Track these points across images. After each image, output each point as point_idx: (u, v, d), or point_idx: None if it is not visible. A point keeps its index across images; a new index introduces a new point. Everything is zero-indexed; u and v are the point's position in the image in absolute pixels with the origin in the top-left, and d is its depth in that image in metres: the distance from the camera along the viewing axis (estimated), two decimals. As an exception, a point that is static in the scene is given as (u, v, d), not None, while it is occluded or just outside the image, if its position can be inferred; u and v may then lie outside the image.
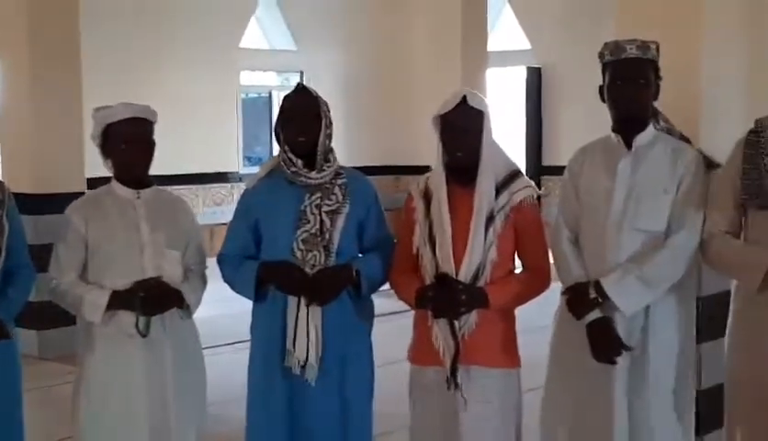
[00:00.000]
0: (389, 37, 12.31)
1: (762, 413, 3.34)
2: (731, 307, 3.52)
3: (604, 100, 3.52)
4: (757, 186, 3.34)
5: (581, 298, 3.41)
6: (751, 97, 4.70)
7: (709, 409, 3.64)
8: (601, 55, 3.53)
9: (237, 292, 3.68)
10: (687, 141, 3.78)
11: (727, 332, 3.54)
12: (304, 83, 3.91)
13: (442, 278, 3.37)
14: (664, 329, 3.45)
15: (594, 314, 3.39)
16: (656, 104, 3.59)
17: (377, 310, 3.77)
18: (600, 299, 3.38)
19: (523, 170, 3.59)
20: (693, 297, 3.61)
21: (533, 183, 3.55)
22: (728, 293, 3.62)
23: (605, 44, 3.53)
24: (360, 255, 3.67)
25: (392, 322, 5.50)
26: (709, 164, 3.63)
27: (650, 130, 3.53)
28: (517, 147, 12.70)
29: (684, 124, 3.97)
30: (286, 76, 12.73)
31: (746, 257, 3.36)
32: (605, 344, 3.38)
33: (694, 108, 4.38)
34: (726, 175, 3.48)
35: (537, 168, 12.61)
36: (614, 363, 3.38)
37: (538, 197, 3.52)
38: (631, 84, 3.44)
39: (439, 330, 3.40)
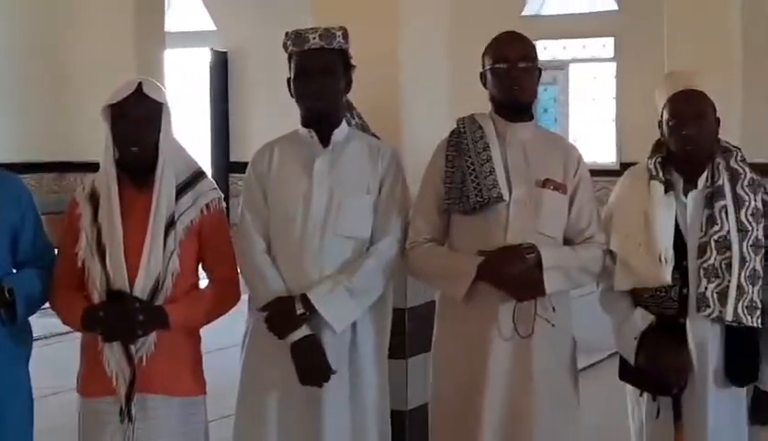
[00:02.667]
0: (49, 7, 11.85)
1: (463, 427, 3.53)
2: (436, 319, 3.69)
3: (293, 94, 3.60)
4: (460, 190, 3.52)
5: (284, 314, 3.44)
6: (454, 93, 4.94)
7: (420, 429, 3.80)
8: (285, 46, 3.60)
9: None
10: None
11: (432, 344, 3.70)
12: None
13: (114, 296, 3.32)
14: (368, 344, 3.57)
15: (300, 332, 3.44)
16: (351, 98, 3.71)
17: (36, 332, 3.64)
18: (308, 315, 3.44)
19: (208, 167, 3.59)
20: (390, 308, 3.74)
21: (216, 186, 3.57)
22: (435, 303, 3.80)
23: (286, 34, 3.60)
24: (14, 271, 3.52)
25: (54, 346, 5.35)
26: None
27: (344, 125, 3.65)
28: (201, 140, 12.67)
29: (382, 122, 4.10)
30: None
31: (452, 265, 3.53)
32: (313, 365, 3.43)
33: (393, 105, 4.53)
34: (429, 178, 3.64)
35: (225, 165, 12.60)
36: (320, 386, 3.44)
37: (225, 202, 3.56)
38: (316, 79, 3.52)
39: (111, 355, 3.34)
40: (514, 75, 3.52)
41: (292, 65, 3.57)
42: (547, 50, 13.50)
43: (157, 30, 10.99)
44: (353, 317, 3.50)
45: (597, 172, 3.53)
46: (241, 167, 12.38)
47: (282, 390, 3.52)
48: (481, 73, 3.60)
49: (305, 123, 3.61)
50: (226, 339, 3.90)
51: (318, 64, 3.52)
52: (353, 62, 3.62)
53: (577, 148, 3.72)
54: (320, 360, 3.44)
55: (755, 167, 3.58)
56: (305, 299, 3.44)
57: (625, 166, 3.96)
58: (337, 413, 3.50)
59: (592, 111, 13.99)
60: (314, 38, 3.54)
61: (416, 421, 3.90)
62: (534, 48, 3.63)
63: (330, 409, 3.48)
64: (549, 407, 3.51)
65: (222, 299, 3.53)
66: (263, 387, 3.56)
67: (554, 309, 3.49)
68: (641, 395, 3.57)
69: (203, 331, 3.58)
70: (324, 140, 3.57)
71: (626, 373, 3.61)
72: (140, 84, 3.42)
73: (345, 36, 3.60)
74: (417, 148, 4.14)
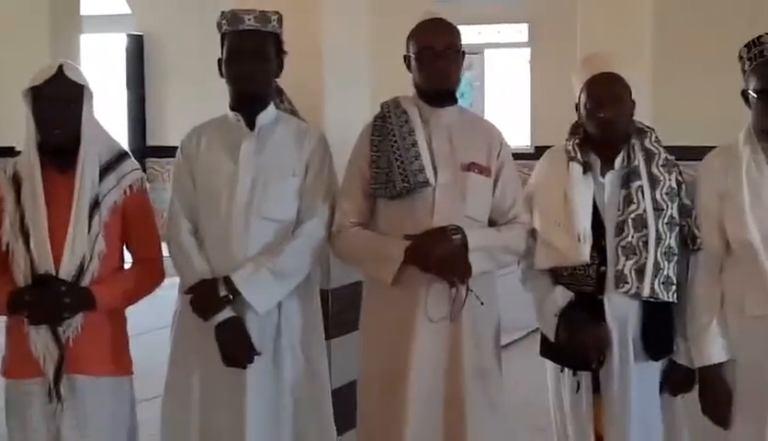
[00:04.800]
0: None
1: (390, 408, 3.56)
2: (363, 301, 3.71)
3: (222, 75, 3.59)
4: (386, 175, 3.53)
5: (208, 296, 3.44)
6: (376, 78, 4.95)
7: (343, 408, 3.82)
8: (219, 25, 3.59)
9: None
10: None
11: (360, 327, 3.73)
12: None
13: (40, 279, 3.30)
14: (293, 326, 3.58)
15: (224, 314, 3.44)
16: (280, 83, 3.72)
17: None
18: (231, 297, 3.43)
19: (125, 152, 3.59)
20: (317, 289, 3.76)
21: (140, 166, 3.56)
22: (358, 284, 3.82)
23: (222, 13, 3.59)
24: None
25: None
26: None
27: (272, 109, 3.64)
28: (118, 125, 12.52)
29: (304, 105, 4.10)
30: None
31: (379, 250, 3.53)
32: (236, 346, 3.44)
33: (317, 90, 4.53)
34: (354, 162, 3.65)
35: (142, 149, 12.52)
36: (244, 367, 3.45)
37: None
38: (249, 59, 3.51)
39: (38, 337, 3.32)
40: (440, 63, 3.54)
41: (225, 45, 3.56)
42: (462, 35, 13.53)
43: (73, 14, 10.80)
44: (276, 299, 3.50)
45: (512, 155, 3.62)
46: (158, 151, 12.38)
47: (207, 372, 3.52)
48: (405, 57, 3.61)
49: (234, 105, 3.60)
50: (155, 321, 3.87)
51: (251, 46, 3.52)
52: (285, 47, 3.61)
53: (499, 130, 3.74)
54: (243, 342, 3.45)
55: (665, 150, 3.65)
56: (228, 282, 3.44)
57: (539, 150, 4.01)
58: (260, 395, 3.51)
59: (506, 96, 14.10)
60: (249, 19, 3.53)
61: (340, 401, 3.92)
62: (458, 33, 3.62)
63: (253, 390, 3.49)
64: (479, 382, 3.56)
65: (147, 278, 3.53)
66: (189, 368, 3.56)
67: (474, 292, 3.50)
68: (562, 371, 3.63)
69: (132, 312, 3.56)
70: (251, 123, 3.57)
71: (547, 349, 3.66)
72: (60, 67, 3.40)
73: (280, 21, 3.61)
74: (339, 131, 4.15)
